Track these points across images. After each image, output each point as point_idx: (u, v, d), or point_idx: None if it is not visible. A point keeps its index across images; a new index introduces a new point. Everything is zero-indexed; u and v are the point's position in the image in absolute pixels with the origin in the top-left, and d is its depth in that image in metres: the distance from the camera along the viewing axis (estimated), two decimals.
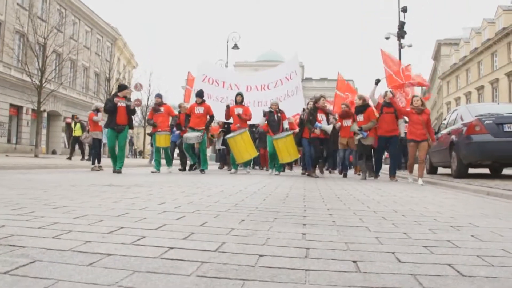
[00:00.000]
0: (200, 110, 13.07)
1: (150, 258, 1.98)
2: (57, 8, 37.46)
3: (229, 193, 5.65)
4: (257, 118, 14.17)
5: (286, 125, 13.33)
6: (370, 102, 12.17)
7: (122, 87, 12.38)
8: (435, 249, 2.41)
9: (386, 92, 11.92)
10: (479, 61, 49.58)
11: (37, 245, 2.18)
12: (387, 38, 21.97)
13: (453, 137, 11.33)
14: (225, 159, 18.45)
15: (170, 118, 13.90)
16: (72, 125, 23.55)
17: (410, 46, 21.57)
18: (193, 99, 14.52)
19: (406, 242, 2.61)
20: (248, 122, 14.23)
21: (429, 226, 3.25)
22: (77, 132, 22.32)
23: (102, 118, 14.67)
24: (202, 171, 13.14)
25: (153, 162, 16.47)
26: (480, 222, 3.58)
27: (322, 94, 13.14)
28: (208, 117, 13.12)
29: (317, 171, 13.50)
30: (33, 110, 31.42)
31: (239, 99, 13.90)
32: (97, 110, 14.87)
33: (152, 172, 12.46)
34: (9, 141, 32.48)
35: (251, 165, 19.61)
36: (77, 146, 23.40)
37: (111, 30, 50.45)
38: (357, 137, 11.52)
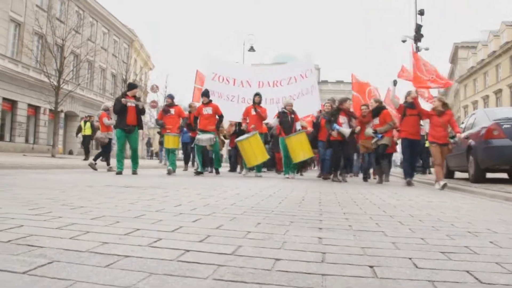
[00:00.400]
0: (208, 110, 12.60)
1: (166, 261, 1.99)
2: (75, 9, 37.76)
3: (245, 196, 5.65)
4: (270, 116, 13.54)
5: (299, 126, 12.83)
6: (389, 107, 11.96)
7: (131, 86, 12.12)
8: (453, 255, 2.39)
9: (409, 92, 11.33)
10: (497, 64, 49.13)
11: (55, 245, 2.19)
12: (403, 41, 21.85)
13: (471, 141, 11.24)
14: (235, 162, 18.13)
15: (181, 120, 13.36)
16: (82, 124, 22.98)
17: (427, 49, 21.41)
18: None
19: (423, 247, 2.59)
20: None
21: (446, 232, 3.22)
22: (87, 131, 22.21)
23: (110, 118, 14.30)
24: (216, 170, 13.32)
25: (166, 162, 16.52)
26: (499, 228, 3.54)
27: (348, 98, 12.78)
28: (217, 117, 12.65)
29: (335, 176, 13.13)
30: (50, 110, 31.64)
31: (258, 100, 13.31)
32: (107, 110, 14.31)
33: (169, 172, 12.24)
34: (26, 140, 32.74)
35: (266, 169, 18.95)
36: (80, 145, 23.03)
37: (128, 31, 50.72)
38: (373, 141, 11.15)
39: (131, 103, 11.43)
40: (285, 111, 12.70)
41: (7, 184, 6.00)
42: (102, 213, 3.40)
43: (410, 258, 2.27)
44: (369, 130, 11.34)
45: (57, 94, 25.76)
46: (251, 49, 30.04)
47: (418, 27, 19.85)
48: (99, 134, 14.29)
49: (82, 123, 23.20)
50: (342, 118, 11.77)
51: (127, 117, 11.37)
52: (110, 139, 14.15)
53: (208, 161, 14.69)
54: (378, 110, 11.58)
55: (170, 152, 13.12)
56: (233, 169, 18.06)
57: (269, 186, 8.05)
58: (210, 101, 12.76)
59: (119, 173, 10.99)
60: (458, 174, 14.95)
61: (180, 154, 22.73)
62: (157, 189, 6.29)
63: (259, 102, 13.34)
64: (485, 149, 10.37)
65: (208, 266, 1.93)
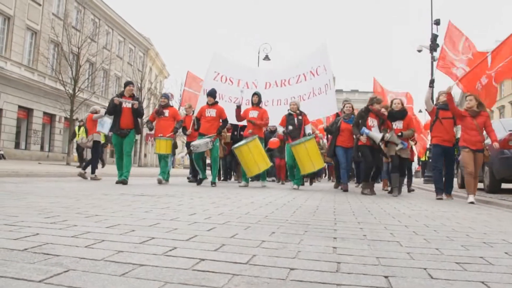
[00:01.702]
0: (211, 112, 11.16)
1: (181, 269, 1.99)
2: (91, 18, 38.12)
3: (259, 205, 5.65)
4: (277, 119, 11.88)
5: (309, 130, 11.23)
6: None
7: (126, 84, 10.94)
8: (468, 266, 2.38)
9: (441, 92, 9.81)
10: None
11: (70, 254, 2.20)
12: (419, 51, 21.78)
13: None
14: (228, 170, 16.17)
15: (176, 123, 11.62)
16: (76, 129, 20.61)
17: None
18: (198, 101, 13.31)
19: (438, 258, 2.57)
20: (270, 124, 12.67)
21: (461, 242, 3.20)
22: (81, 136, 20.64)
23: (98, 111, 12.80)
24: (213, 184, 11.08)
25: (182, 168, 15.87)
26: None
27: (379, 97, 10.66)
28: (220, 121, 11.32)
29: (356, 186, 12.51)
30: (65, 118, 31.95)
31: (256, 100, 11.78)
32: (95, 113, 12.86)
33: (159, 181, 10.93)
34: (42, 148, 33.02)
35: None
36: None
37: (143, 40, 51.07)
38: (398, 148, 9.72)
39: (126, 103, 10.30)
40: (291, 112, 11.23)
41: (22, 192, 6.05)
42: (117, 222, 3.42)
43: (425, 269, 2.26)
44: (393, 136, 9.81)
45: (72, 102, 26.03)
46: (266, 57, 30.07)
47: (434, 37, 19.79)
48: (81, 139, 13.35)
49: (76, 128, 21.06)
50: (371, 121, 10.08)
51: (121, 119, 10.27)
52: (97, 142, 12.78)
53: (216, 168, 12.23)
54: (403, 113, 10.18)
55: (162, 159, 11.57)
56: (226, 178, 16.02)
57: (284, 195, 8.03)
58: (216, 102, 11.40)
59: (119, 182, 9.93)
60: None
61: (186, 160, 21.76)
62: (172, 197, 6.30)
63: (258, 103, 11.85)
64: (500, 159, 10.32)
65: (223, 275, 1.93)
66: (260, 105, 11.98)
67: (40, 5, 31.73)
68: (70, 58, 29.90)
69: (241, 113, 11.72)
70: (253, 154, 10.96)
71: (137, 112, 10.39)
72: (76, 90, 26.43)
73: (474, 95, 8.89)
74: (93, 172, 12.11)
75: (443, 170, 9.56)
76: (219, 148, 12.31)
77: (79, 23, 34.25)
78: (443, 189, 9.40)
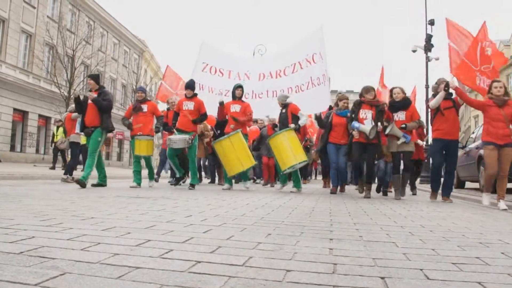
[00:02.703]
0: (189, 105, 10.11)
1: (177, 272, 1.99)
2: (86, 20, 38.02)
3: (255, 206, 5.65)
4: (273, 111, 11.22)
5: (303, 119, 10.28)
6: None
7: (89, 77, 9.95)
8: (465, 266, 2.38)
9: (440, 79, 8.66)
10: (508, 74, 48.90)
11: (66, 257, 2.20)
12: (414, 51, 21.80)
13: (482, 151, 11.19)
14: (213, 171, 14.49)
15: (155, 120, 10.54)
16: (55, 130, 19.27)
17: (437, 59, 21.42)
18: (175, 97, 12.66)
19: (434, 258, 2.58)
20: (256, 116, 11.97)
21: (457, 242, 3.21)
22: (59, 137, 18.92)
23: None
24: (191, 186, 9.97)
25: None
26: (510, 239, 3.52)
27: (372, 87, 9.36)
28: (199, 116, 10.21)
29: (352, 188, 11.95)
30: (61, 121, 31.87)
31: (239, 93, 10.61)
32: (74, 112, 11.87)
33: (131, 187, 9.59)
34: (37, 151, 32.90)
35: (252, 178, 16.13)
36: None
37: (138, 42, 51.00)
38: (400, 142, 8.69)
39: (91, 97, 9.24)
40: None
41: (17, 195, 6.03)
42: (113, 224, 3.42)
43: (421, 269, 2.26)
44: (394, 129, 8.71)
45: (67, 104, 25.95)
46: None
47: (429, 37, 19.85)
48: (60, 140, 12.26)
49: (55, 128, 19.49)
50: (363, 113, 8.97)
51: (86, 116, 9.28)
52: (76, 144, 12.25)
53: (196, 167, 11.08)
54: (406, 103, 9.04)
55: (139, 161, 10.42)
56: (213, 180, 14.48)
57: (279, 197, 8.02)
58: (195, 95, 10.36)
59: (93, 185, 9.36)
60: (468, 184, 14.87)
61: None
62: (168, 199, 6.30)
63: (241, 97, 10.72)
64: None
65: (219, 277, 1.93)
66: (242, 99, 10.83)
67: (34, 8, 31.66)
68: (65, 60, 29.92)
69: (223, 109, 10.68)
70: (236, 150, 9.91)
71: (100, 107, 9.16)
72: (71, 93, 26.36)
73: (501, 81, 7.93)
74: (67, 173, 11.39)
75: (442, 168, 8.75)
76: (201, 148, 11.82)
77: (73, 25, 34.22)
78: (439, 189, 8.68)
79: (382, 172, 10.70)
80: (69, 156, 16.98)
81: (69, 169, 11.53)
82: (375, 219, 4.63)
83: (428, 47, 19.96)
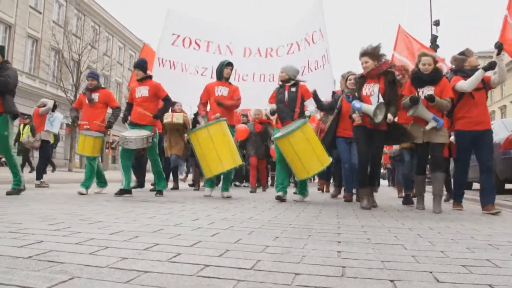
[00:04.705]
0: (142, 91, 7.92)
1: (186, 276, 1.98)
2: (91, 25, 38.18)
3: (262, 209, 5.63)
4: (261, 99, 8.98)
5: (312, 107, 7.83)
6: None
7: None
8: (474, 269, 2.36)
9: (465, 50, 6.79)
10: None
11: (74, 261, 2.20)
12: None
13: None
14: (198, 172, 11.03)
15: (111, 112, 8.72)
16: (20, 128, 15.26)
17: (442, 59, 21.36)
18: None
19: (443, 261, 2.56)
20: (241, 107, 9.18)
21: (466, 245, 3.19)
22: (24, 135, 14.58)
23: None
24: (158, 192, 7.97)
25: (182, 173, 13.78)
26: None
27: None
28: (161, 103, 8.04)
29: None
30: (67, 125, 31.94)
31: (228, 73, 8.15)
32: (42, 106, 11.04)
33: (80, 193, 7.70)
34: None
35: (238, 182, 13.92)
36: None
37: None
38: (428, 127, 6.12)
39: None
40: (280, 84, 7.76)
41: (25, 199, 6.05)
42: (120, 228, 3.41)
43: (430, 272, 2.24)
44: (421, 109, 6.14)
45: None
46: None
47: (434, 38, 19.82)
48: (27, 138, 11.04)
49: (21, 126, 15.66)
50: (368, 88, 6.43)
51: None
52: (46, 142, 11.03)
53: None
54: (436, 75, 6.28)
55: (88, 162, 8.36)
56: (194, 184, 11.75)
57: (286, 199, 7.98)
58: (148, 77, 8.13)
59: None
60: (476, 185, 14.79)
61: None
62: (174, 203, 6.28)
63: (228, 77, 8.22)
64: (503, 159, 10.27)
65: (228, 281, 1.92)
66: (229, 81, 8.28)
67: (40, 13, 31.84)
68: (71, 65, 29.98)
69: (204, 92, 8.19)
70: (214, 144, 7.33)
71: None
72: (77, 97, 26.43)
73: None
74: (39, 177, 10.40)
75: (468, 167, 6.80)
76: (181, 144, 10.29)
77: (79, 30, 34.40)
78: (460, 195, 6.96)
79: (407, 168, 8.36)
80: (35, 158, 15.95)
81: (39, 172, 10.53)
82: (383, 222, 4.61)
83: (433, 47, 19.92)
